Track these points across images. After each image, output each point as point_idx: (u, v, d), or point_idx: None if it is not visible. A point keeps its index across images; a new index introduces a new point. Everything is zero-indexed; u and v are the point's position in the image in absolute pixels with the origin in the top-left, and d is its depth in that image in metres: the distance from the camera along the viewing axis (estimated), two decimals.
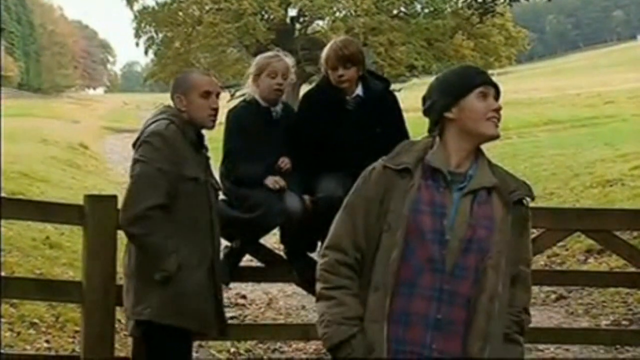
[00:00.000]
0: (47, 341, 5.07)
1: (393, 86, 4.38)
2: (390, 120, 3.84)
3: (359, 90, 3.85)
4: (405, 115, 3.95)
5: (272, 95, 3.84)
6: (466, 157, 2.44)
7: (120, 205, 3.36)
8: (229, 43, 33.87)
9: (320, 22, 35.43)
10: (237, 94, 20.30)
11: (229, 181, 3.80)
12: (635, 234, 6.24)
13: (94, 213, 3.61)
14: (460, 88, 2.45)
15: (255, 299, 6.84)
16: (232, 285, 5.03)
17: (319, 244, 3.65)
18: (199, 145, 3.45)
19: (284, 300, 6.81)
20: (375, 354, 2.35)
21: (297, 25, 35.64)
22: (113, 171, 17.42)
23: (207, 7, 33.82)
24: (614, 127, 20.40)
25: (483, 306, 2.32)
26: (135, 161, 3.31)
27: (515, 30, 37.36)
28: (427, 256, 2.34)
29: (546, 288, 6.67)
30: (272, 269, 4.04)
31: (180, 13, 34.88)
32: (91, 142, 23.21)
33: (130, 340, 3.78)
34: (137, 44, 37.58)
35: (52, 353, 4.85)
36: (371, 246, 2.41)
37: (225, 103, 5.58)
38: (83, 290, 3.65)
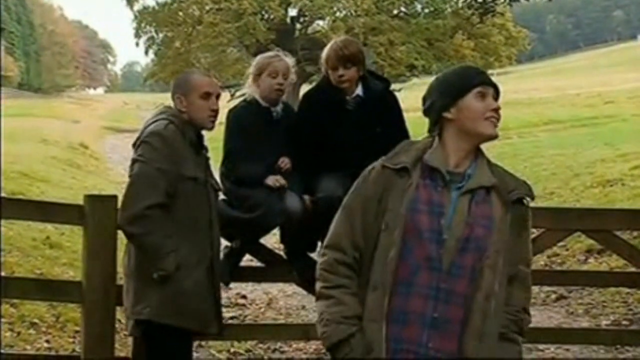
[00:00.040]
0: (47, 341, 5.07)
1: (393, 86, 4.38)
2: (390, 120, 3.84)
3: (359, 90, 3.85)
4: (405, 115, 3.95)
5: (273, 95, 3.84)
6: (465, 157, 2.44)
7: (119, 204, 3.36)
8: (229, 43, 33.88)
9: (321, 22, 35.46)
10: (237, 94, 20.32)
11: (229, 181, 3.80)
12: (635, 233, 6.24)
13: (94, 213, 3.61)
14: (459, 88, 2.45)
15: (255, 298, 6.84)
16: (232, 285, 5.03)
17: (319, 244, 3.65)
18: (199, 145, 3.46)
19: (284, 300, 6.81)
20: (374, 354, 2.35)
21: (297, 25, 35.65)
22: (113, 171, 17.42)
23: (207, 7, 33.82)
24: (614, 127, 20.40)
25: (479, 305, 2.33)
26: (135, 161, 3.32)
27: (515, 30, 37.37)
28: (425, 255, 2.35)
29: (546, 288, 6.67)
30: (272, 269, 4.04)
31: (181, 13, 34.88)
32: (91, 142, 23.21)
33: (130, 340, 3.78)
34: (137, 44, 37.63)
35: (53, 353, 4.84)
36: (369, 245, 2.42)
37: (226, 103, 5.59)
38: (83, 290, 3.64)
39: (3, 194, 8.06)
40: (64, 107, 44.83)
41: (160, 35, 36.63)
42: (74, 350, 4.79)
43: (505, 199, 2.41)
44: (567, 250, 7.84)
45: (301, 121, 3.89)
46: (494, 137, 2.45)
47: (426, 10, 33.82)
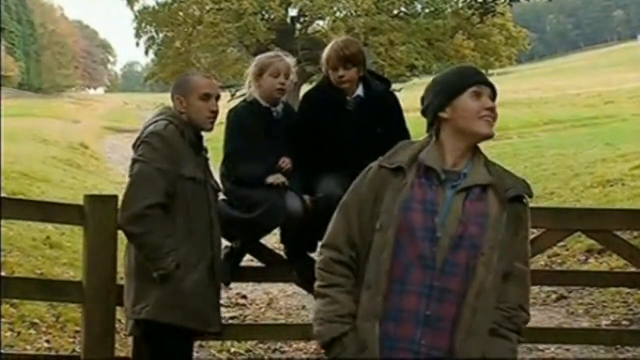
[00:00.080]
0: (47, 341, 5.07)
1: (393, 86, 4.38)
2: (391, 120, 3.84)
3: (359, 91, 3.85)
4: (405, 115, 3.95)
5: (275, 94, 3.84)
6: (461, 156, 2.45)
7: (119, 204, 3.37)
8: (229, 43, 33.88)
9: (321, 22, 35.45)
10: (238, 94, 20.31)
11: (229, 181, 3.80)
12: (635, 233, 6.24)
13: (94, 213, 3.61)
14: (454, 88, 2.47)
15: (255, 299, 6.84)
16: (232, 285, 5.03)
17: (319, 243, 3.65)
18: (198, 146, 3.47)
19: (284, 300, 6.81)
20: (367, 352, 2.37)
21: (298, 25, 35.64)
22: (113, 171, 17.43)
23: (207, 7, 33.81)
24: (614, 127, 20.42)
25: (470, 301, 2.33)
26: (134, 161, 3.33)
27: (515, 30, 37.39)
28: (418, 253, 2.36)
29: (546, 288, 6.67)
30: (272, 269, 4.04)
31: (181, 13, 34.88)
32: (91, 142, 23.22)
33: (130, 340, 3.78)
34: (137, 44, 37.62)
35: (53, 353, 4.85)
36: (365, 244, 2.43)
37: (226, 103, 5.58)
38: (83, 290, 3.64)
39: (3, 194, 8.06)
40: (64, 107, 44.83)
41: (161, 35, 36.63)
42: (74, 350, 4.79)
43: (501, 197, 2.41)
44: (567, 250, 7.84)
45: (301, 121, 3.89)
46: (489, 136, 2.46)
47: (426, 10, 33.83)
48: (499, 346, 2.38)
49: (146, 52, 37.88)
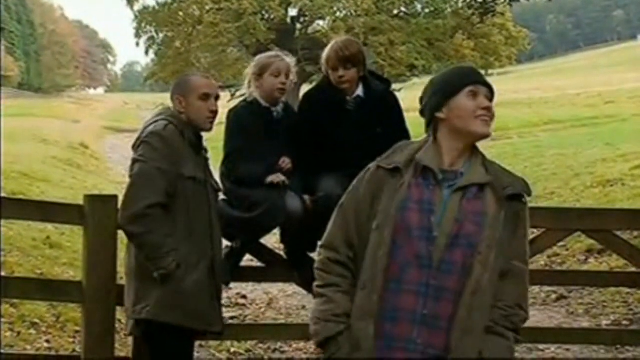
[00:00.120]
0: (47, 341, 5.07)
1: (393, 86, 4.38)
2: (391, 120, 3.84)
3: (359, 91, 3.86)
4: (405, 115, 3.95)
5: (275, 94, 3.84)
6: (459, 156, 2.46)
7: (120, 204, 3.37)
8: (230, 43, 33.89)
9: (321, 22, 35.46)
10: (238, 94, 20.30)
11: (229, 181, 3.80)
12: (635, 233, 6.24)
13: (94, 213, 3.61)
14: (450, 88, 2.48)
15: (255, 299, 6.84)
16: (232, 285, 5.04)
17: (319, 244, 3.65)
18: (198, 146, 3.47)
19: (284, 300, 6.81)
20: (361, 351, 2.37)
21: (298, 25, 35.65)
22: (113, 171, 17.43)
23: (207, 7, 33.82)
24: (615, 127, 20.42)
25: (466, 300, 2.33)
26: (135, 161, 3.34)
27: (515, 30, 37.42)
28: (414, 253, 2.36)
29: (547, 288, 6.67)
30: (272, 269, 4.04)
31: (181, 13, 34.88)
32: (91, 142, 23.21)
33: (130, 340, 3.78)
34: (137, 44, 37.63)
35: (53, 353, 4.84)
36: (363, 245, 2.44)
37: (226, 103, 5.59)
38: (83, 290, 3.65)
39: (3, 194, 8.06)
40: (64, 107, 44.84)
41: (161, 35, 36.64)
42: (74, 350, 4.79)
43: (499, 196, 2.42)
44: (567, 250, 7.83)
45: (301, 121, 3.89)
46: (486, 135, 2.46)
47: (426, 10, 33.83)
48: (496, 344, 2.38)
49: (146, 52, 37.94)
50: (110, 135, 29.69)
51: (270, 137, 3.81)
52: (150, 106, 33.06)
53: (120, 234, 3.45)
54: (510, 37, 36.58)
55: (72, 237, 7.81)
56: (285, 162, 3.80)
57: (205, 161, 3.52)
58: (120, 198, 3.37)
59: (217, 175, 3.70)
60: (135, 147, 3.38)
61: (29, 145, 17.76)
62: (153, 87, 63.96)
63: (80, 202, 3.70)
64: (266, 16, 33.79)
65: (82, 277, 3.70)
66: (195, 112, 3.44)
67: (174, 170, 3.29)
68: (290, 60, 3.93)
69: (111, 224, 3.56)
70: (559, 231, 4.06)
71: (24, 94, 59.39)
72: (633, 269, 4.27)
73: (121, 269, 3.61)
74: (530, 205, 2.53)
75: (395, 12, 34.02)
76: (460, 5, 31.68)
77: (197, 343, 4.32)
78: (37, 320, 5.29)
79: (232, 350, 5.34)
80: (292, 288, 6.56)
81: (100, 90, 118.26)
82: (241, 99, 4.05)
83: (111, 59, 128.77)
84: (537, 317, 6.01)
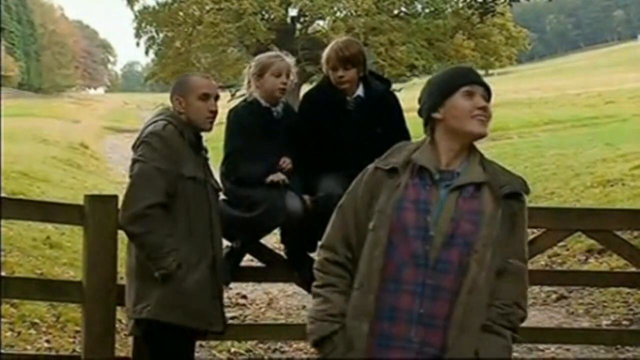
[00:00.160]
0: (47, 341, 5.07)
1: (393, 86, 4.39)
2: (391, 120, 3.85)
3: (359, 91, 3.86)
4: (405, 115, 3.95)
5: (276, 94, 3.84)
6: (456, 156, 2.47)
7: (120, 204, 3.37)
8: (230, 43, 33.91)
9: (321, 22, 35.48)
10: (238, 94, 20.29)
11: (230, 181, 3.80)
12: (635, 233, 6.24)
13: (94, 213, 3.61)
14: (446, 88, 2.49)
15: (255, 298, 6.84)
16: (232, 285, 5.04)
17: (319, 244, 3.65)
18: (198, 146, 3.47)
19: (284, 300, 6.81)
20: (355, 350, 2.38)
21: (298, 25, 35.66)
22: (113, 171, 17.43)
23: (207, 7, 33.83)
24: (615, 127, 20.40)
25: (462, 298, 2.34)
26: (134, 161, 3.34)
27: (515, 30, 37.44)
28: (410, 252, 2.37)
29: (547, 288, 6.67)
30: (272, 269, 4.04)
31: (181, 13, 34.89)
32: (92, 142, 23.21)
33: (130, 340, 3.78)
34: (137, 44, 37.68)
35: (53, 353, 4.85)
36: (361, 245, 2.45)
37: (226, 103, 5.59)
38: (83, 290, 3.65)
39: (3, 194, 8.06)
40: (64, 107, 44.83)
41: (161, 35, 36.66)
42: (74, 350, 4.80)
43: (496, 194, 2.42)
44: (567, 250, 7.83)
45: (301, 121, 3.89)
46: (482, 135, 2.47)
47: (426, 10, 33.84)
48: (492, 343, 2.37)
49: (146, 52, 37.97)
50: (110, 135, 29.68)
51: (270, 137, 3.81)
52: (150, 106, 33.07)
53: (121, 233, 3.45)
54: (510, 37, 36.60)
55: (72, 237, 7.82)
56: (286, 162, 3.80)
57: (205, 161, 3.52)
58: (121, 198, 3.37)
59: (217, 175, 3.70)
60: (135, 147, 3.39)
61: (29, 145, 17.76)
62: (153, 87, 63.99)
63: (80, 202, 3.70)
64: (266, 16, 33.80)
65: (82, 277, 3.70)
66: (194, 112, 3.44)
67: (174, 170, 3.29)
68: (291, 60, 3.93)
69: (111, 224, 3.56)
70: (559, 231, 4.06)
71: (24, 94, 59.39)
72: (633, 269, 4.27)
73: (121, 269, 3.61)
74: (530, 205, 2.53)
75: (396, 12, 34.03)
76: (460, 5, 31.68)
77: (197, 343, 4.33)
78: (37, 320, 5.29)
79: (232, 350, 5.34)
80: (292, 288, 6.56)
81: (100, 90, 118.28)
82: (241, 99, 4.05)
83: (111, 59, 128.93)
84: (537, 317, 6.01)
